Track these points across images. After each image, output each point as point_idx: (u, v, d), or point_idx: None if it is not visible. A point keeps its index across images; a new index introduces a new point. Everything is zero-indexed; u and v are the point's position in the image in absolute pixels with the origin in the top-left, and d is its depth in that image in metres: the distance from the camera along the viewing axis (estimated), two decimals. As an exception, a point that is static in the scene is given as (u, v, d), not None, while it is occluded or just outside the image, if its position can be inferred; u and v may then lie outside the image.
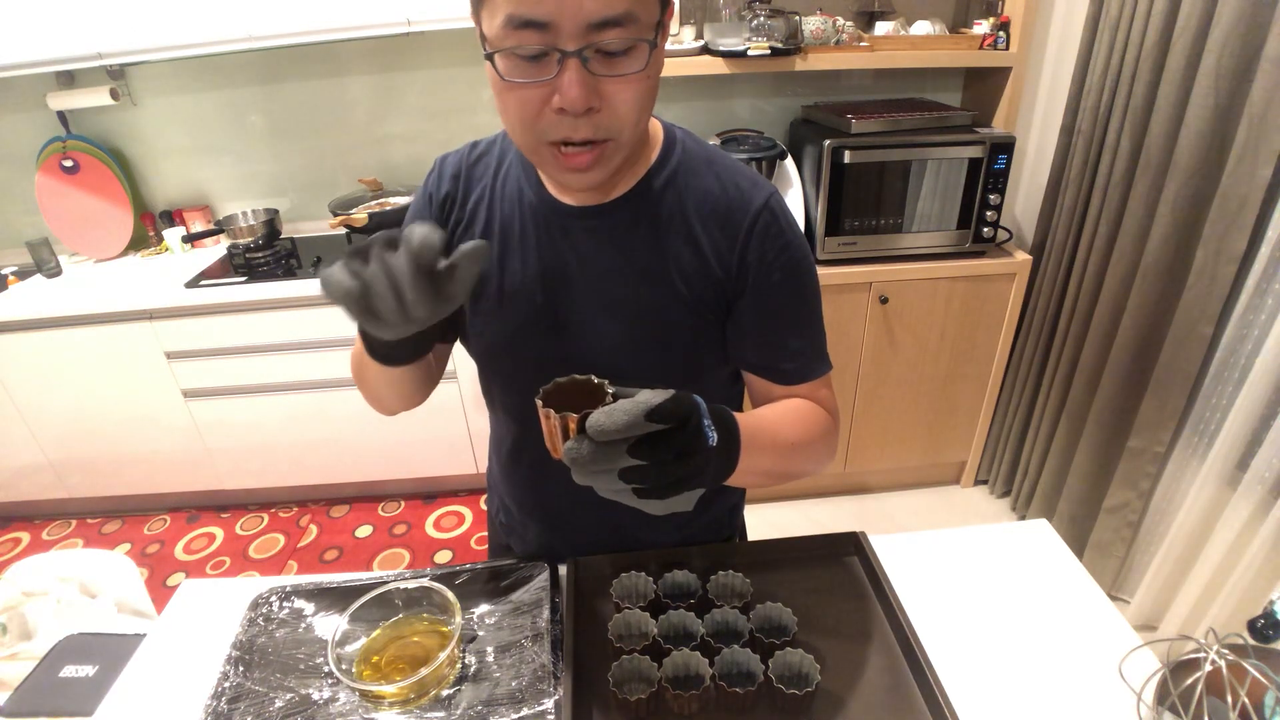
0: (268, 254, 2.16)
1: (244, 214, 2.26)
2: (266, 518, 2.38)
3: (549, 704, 0.72)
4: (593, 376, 0.54)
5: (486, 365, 0.85)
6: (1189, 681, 0.65)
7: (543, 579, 0.87)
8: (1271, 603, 0.78)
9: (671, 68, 1.88)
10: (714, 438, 0.53)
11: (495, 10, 0.56)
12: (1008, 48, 1.91)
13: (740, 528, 1.07)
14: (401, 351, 0.69)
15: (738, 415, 0.64)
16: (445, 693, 0.75)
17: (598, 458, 0.49)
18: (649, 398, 0.49)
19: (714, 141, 1.98)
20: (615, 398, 0.52)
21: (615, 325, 0.75)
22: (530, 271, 0.75)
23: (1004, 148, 1.85)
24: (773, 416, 0.75)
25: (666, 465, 0.50)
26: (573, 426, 0.50)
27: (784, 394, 0.79)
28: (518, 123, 0.62)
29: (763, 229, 0.73)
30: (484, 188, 0.78)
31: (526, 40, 0.55)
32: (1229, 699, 0.64)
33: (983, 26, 1.93)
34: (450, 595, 0.77)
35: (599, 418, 0.48)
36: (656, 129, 0.76)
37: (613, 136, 0.63)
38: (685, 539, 0.94)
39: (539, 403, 0.53)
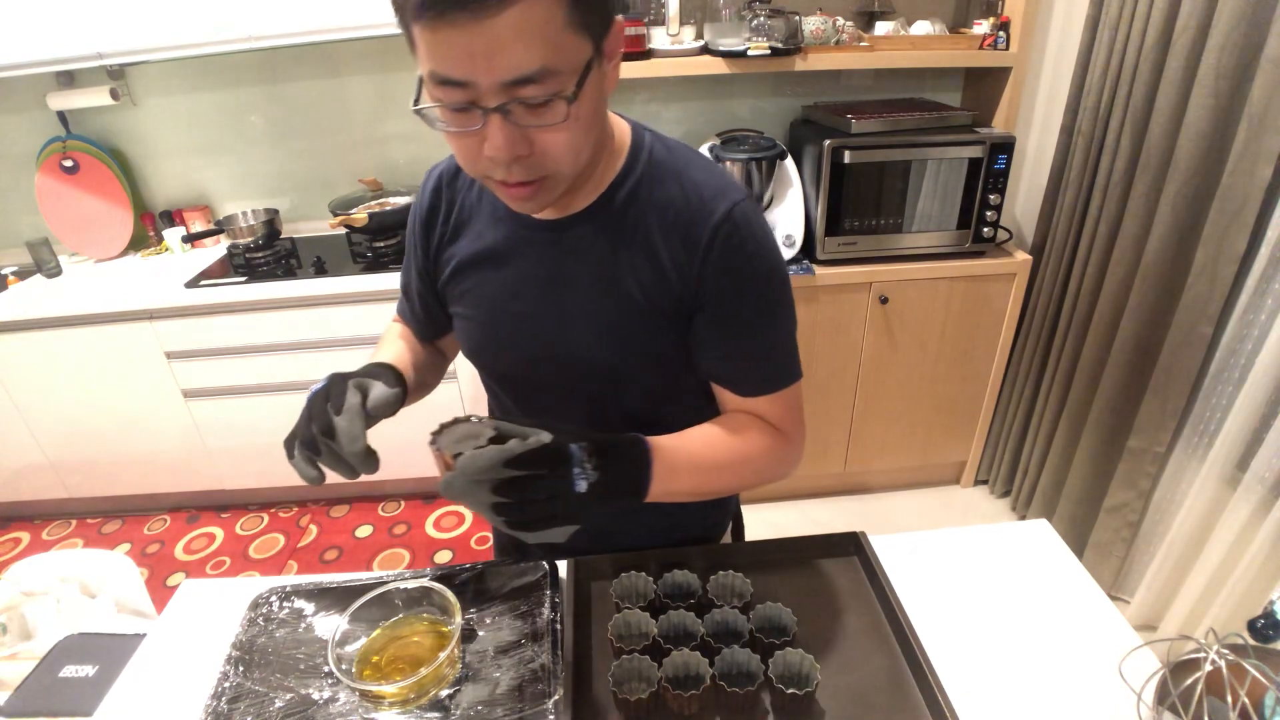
0: (268, 254, 2.16)
1: (244, 214, 2.27)
2: (266, 518, 2.38)
3: (549, 704, 0.72)
4: (473, 416, 0.62)
5: (475, 366, 0.89)
6: (1189, 681, 0.65)
7: (543, 579, 0.87)
8: (1271, 603, 0.78)
9: (671, 68, 1.88)
10: (583, 485, 0.60)
11: (422, 63, 0.58)
12: (1008, 48, 1.91)
13: (738, 530, 1.07)
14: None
15: (661, 440, 0.71)
16: (445, 693, 0.75)
17: (466, 493, 0.58)
18: (514, 446, 0.57)
19: (714, 141, 1.98)
20: (498, 437, 0.59)
21: (583, 334, 0.77)
22: (504, 279, 0.78)
23: (1004, 148, 1.85)
24: (704, 437, 0.77)
25: (529, 505, 0.59)
26: (449, 462, 0.59)
27: (740, 405, 0.80)
28: (460, 161, 0.65)
29: (723, 243, 0.71)
30: (464, 200, 0.81)
31: (450, 96, 0.57)
32: (1229, 699, 0.64)
33: (983, 26, 1.93)
34: (450, 595, 0.77)
35: (465, 459, 0.57)
36: (623, 136, 0.75)
37: (548, 174, 0.63)
38: (677, 540, 0.94)
39: (429, 438, 0.62)
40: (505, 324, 0.80)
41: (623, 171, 0.73)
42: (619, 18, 0.61)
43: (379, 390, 0.69)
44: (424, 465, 2.25)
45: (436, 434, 0.62)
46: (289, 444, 0.68)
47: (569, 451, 0.61)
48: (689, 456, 0.74)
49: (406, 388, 0.79)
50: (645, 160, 0.73)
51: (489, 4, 0.51)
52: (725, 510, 1.02)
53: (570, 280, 0.75)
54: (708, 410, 0.84)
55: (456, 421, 0.62)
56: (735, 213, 0.71)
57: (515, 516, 0.59)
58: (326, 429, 0.65)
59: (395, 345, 0.90)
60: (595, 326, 0.76)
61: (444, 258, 0.82)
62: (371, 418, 0.68)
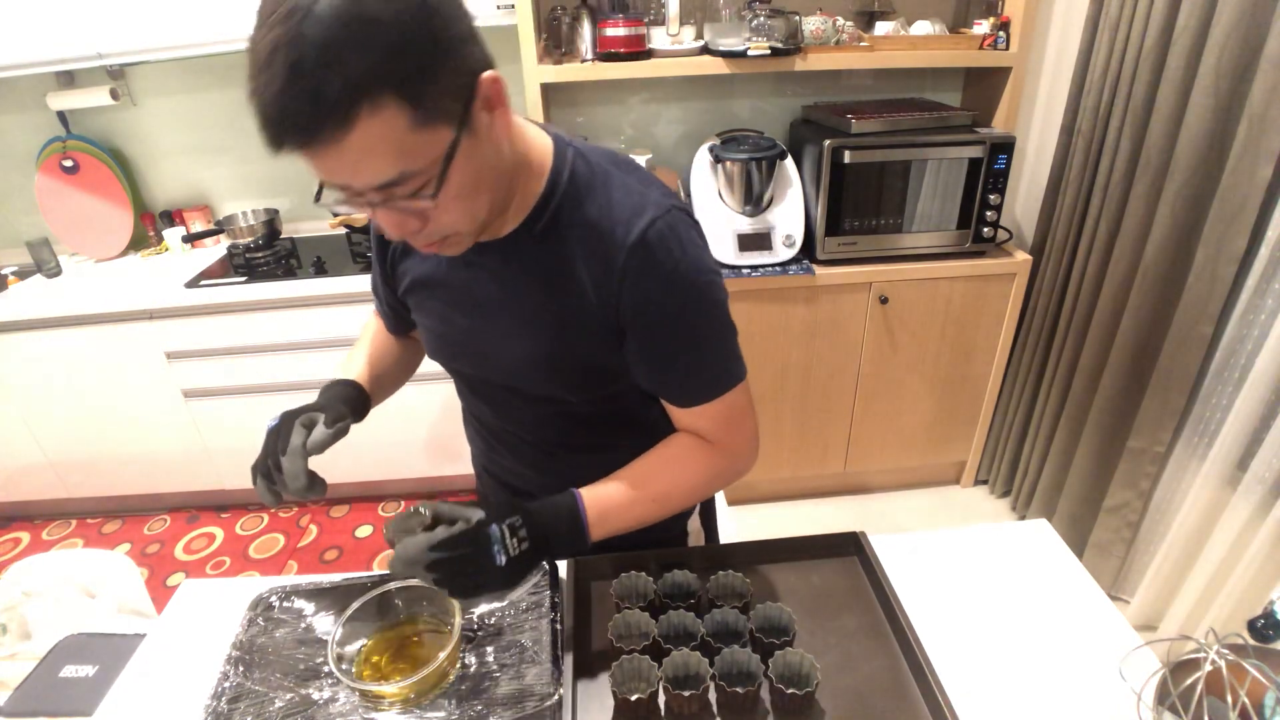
0: (268, 254, 2.16)
1: (244, 214, 2.26)
2: (266, 518, 2.38)
3: (549, 704, 0.72)
4: (419, 505, 0.73)
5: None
6: (1189, 681, 0.65)
7: (543, 579, 0.87)
8: (1271, 603, 0.78)
9: (671, 68, 1.88)
10: (503, 559, 0.68)
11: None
12: (1008, 48, 1.91)
13: (709, 526, 1.09)
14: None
15: (594, 490, 0.76)
16: (445, 693, 0.75)
17: (406, 574, 0.68)
18: (439, 534, 0.67)
19: (714, 141, 1.98)
20: (433, 522, 0.70)
21: (518, 356, 0.79)
22: (446, 301, 0.82)
23: (1004, 148, 1.85)
24: (639, 473, 0.80)
25: (456, 580, 0.67)
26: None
27: (679, 416, 0.81)
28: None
29: (638, 266, 0.70)
30: None
31: (339, 193, 0.61)
32: (1229, 699, 0.64)
33: (983, 26, 1.93)
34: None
35: (399, 549, 0.68)
36: (544, 156, 0.73)
37: (449, 234, 0.66)
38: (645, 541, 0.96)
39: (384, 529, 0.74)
40: (452, 338, 0.85)
41: (544, 195, 0.72)
42: (485, 74, 0.59)
43: (318, 432, 0.77)
44: (424, 465, 2.26)
45: (386, 525, 0.74)
46: (253, 472, 0.78)
47: (488, 534, 0.68)
48: (622, 499, 0.77)
49: (361, 402, 0.87)
50: (566, 181, 0.72)
51: (324, 137, 0.52)
52: (692, 516, 1.03)
53: (500, 304, 0.78)
54: None
55: (404, 513, 0.73)
56: (650, 234, 0.69)
57: (447, 589, 0.68)
58: (276, 465, 0.75)
59: (365, 349, 0.96)
60: (527, 348, 0.78)
61: (399, 271, 0.86)
62: (313, 454, 0.77)
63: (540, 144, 0.73)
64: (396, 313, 0.94)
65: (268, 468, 0.76)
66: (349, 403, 0.84)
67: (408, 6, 0.52)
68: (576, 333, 0.75)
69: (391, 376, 0.97)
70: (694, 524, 1.05)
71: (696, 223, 0.76)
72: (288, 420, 0.77)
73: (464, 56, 0.57)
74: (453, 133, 0.58)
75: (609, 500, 0.77)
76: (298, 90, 0.50)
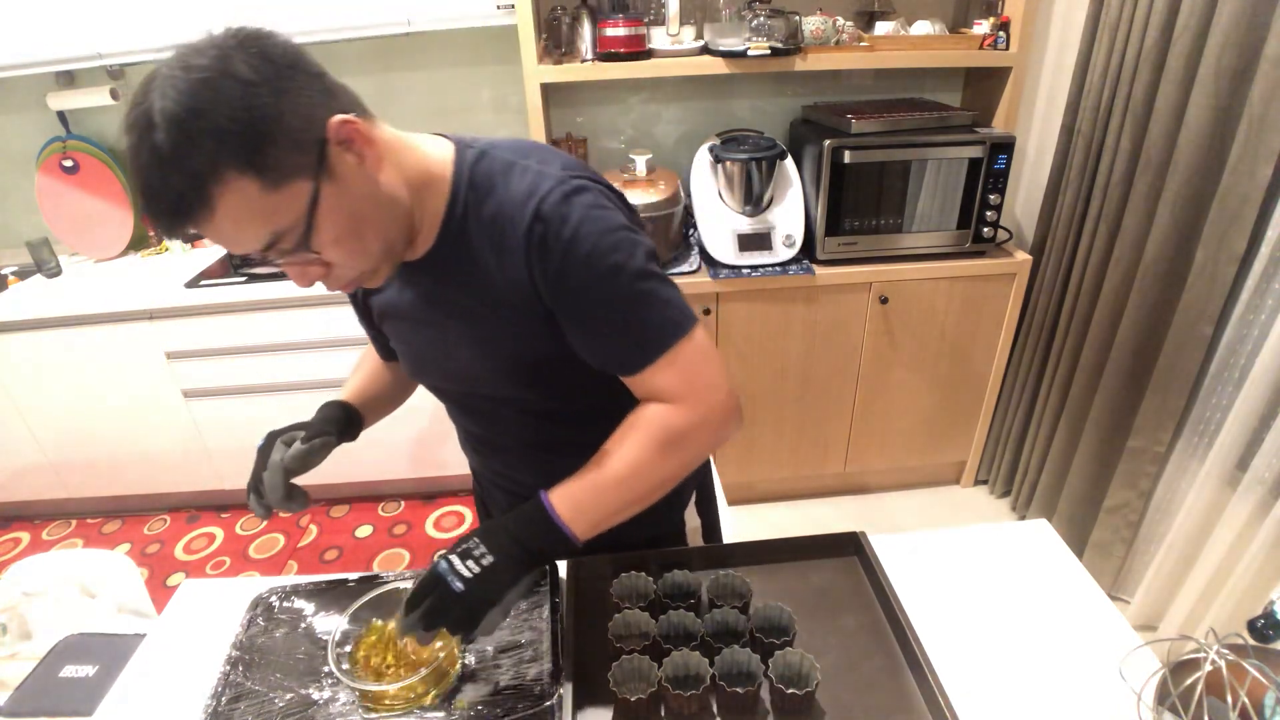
0: (268, 254, 2.16)
1: (244, 214, 2.26)
2: (266, 518, 2.38)
3: (549, 704, 0.72)
4: (396, 585, 0.84)
5: None
6: (1189, 681, 0.65)
7: (543, 579, 0.87)
8: (1271, 603, 0.78)
9: (671, 68, 1.88)
10: (460, 585, 0.68)
11: None
12: (1008, 48, 1.91)
13: (711, 526, 1.09)
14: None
15: (563, 487, 0.74)
16: (445, 692, 0.75)
17: (410, 636, 0.71)
18: (406, 595, 0.71)
19: (714, 141, 1.98)
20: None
21: (468, 364, 0.81)
22: (408, 321, 0.85)
23: (1004, 148, 1.85)
24: (605, 457, 0.75)
25: (443, 620, 0.69)
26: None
27: (634, 385, 0.76)
28: None
29: (538, 245, 0.70)
30: None
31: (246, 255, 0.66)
32: (1229, 699, 0.64)
33: (983, 26, 1.93)
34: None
35: (396, 627, 0.76)
36: (444, 167, 0.73)
37: (359, 272, 0.70)
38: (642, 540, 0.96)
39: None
40: (416, 358, 0.89)
41: (449, 206, 0.73)
42: (332, 120, 0.62)
43: (295, 448, 0.83)
44: (423, 466, 2.25)
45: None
46: (247, 490, 0.84)
47: (437, 572, 0.69)
48: (592, 484, 0.74)
49: (349, 422, 0.92)
50: (466, 186, 0.73)
51: (197, 222, 0.59)
52: (685, 505, 1.03)
53: (443, 320, 0.80)
54: None
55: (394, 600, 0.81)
56: (542, 210, 0.69)
57: (453, 634, 0.70)
58: (260, 480, 0.82)
59: (360, 373, 1.01)
60: (476, 354, 0.80)
61: (370, 303, 0.89)
62: (292, 470, 0.83)
63: (439, 157, 0.74)
64: (380, 340, 0.98)
65: (255, 484, 0.83)
66: (335, 422, 0.89)
67: (228, 88, 0.57)
68: (514, 328, 0.76)
69: (384, 397, 1.00)
70: (693, 520, 1.05)
71: (602, 185, 0.74)
72: (271, 439, 0.85)
73: (300, 113, 0.60)
74: (310, 183, 0.62)
75: (579, 490, 0.74)
76: (159, 192, 0.58)
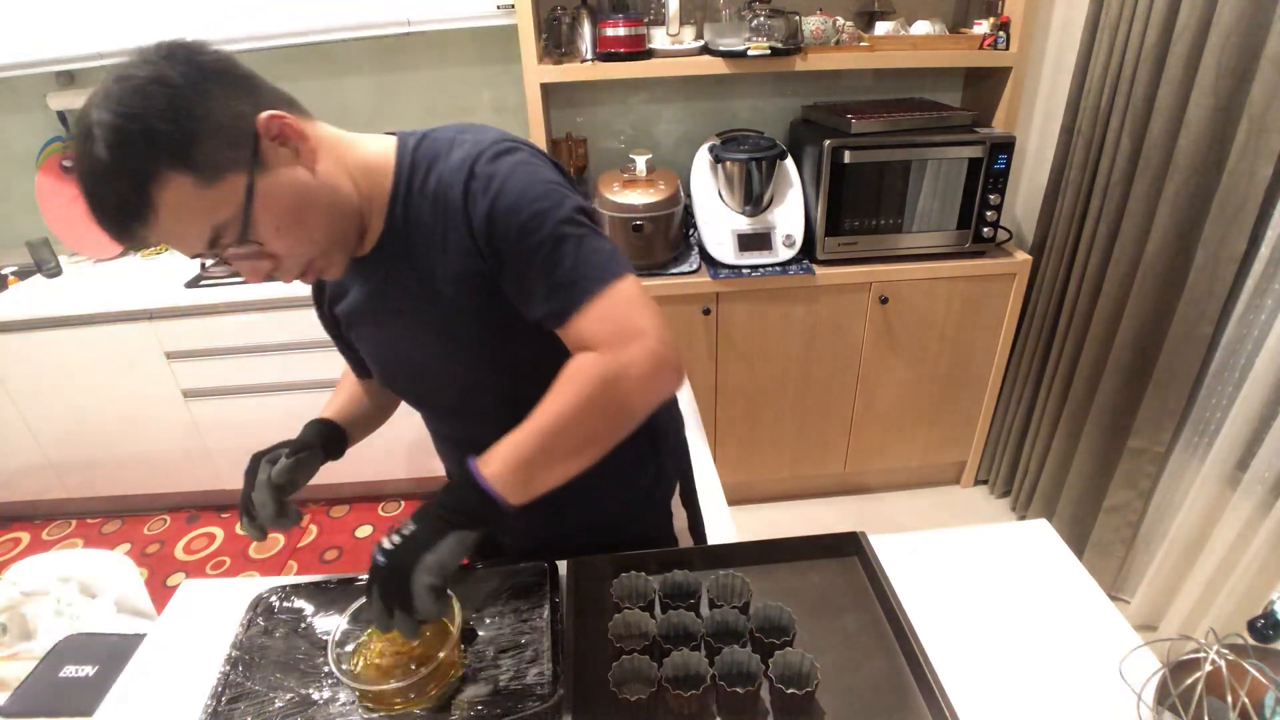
0: (268, 254, 2.16)
1: (244, 214, 2.26)
2: (266, 518, 2.38)
3: (549, 704, 0.72)
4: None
5: None
6: (1189, 681, 0.65)
7: (543, 579, 0.87)
8: (1271, 603, 0.78)
9: (671, 68, 1.88)
10: (381, 559, 0.68)
11: None
12: (1008, 48, 1.91)
13: (696, 525, 1.09)
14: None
15: (493, 449, 0.70)
16: (445, 693, 0.75)
17: (385, 625, 0.70)
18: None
19: (714, 141, 1.98)
20: None
21: (434, 345, 0.81)
22: (369, 322, 0.86)
23: (1004, 148, 1.85)
24: (536, 409, 0.71)
25: (382, 598, 0.68)
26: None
27: (568, 339, 0.73)
28: None
29: (473, 202, 0.71)
30: None
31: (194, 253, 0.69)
32: (1229, 699, 0.64)
33: (983, 26, 1.93)
34: (450, 595, 0.77)
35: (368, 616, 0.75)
36: (386, 157, 0.76)
37: (310, 259, 0.72)
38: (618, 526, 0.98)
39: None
40: (382, 358, 0.89)
41: (393, 189, 0.76)
42: (261, 116, 0.65)
43: (281, 463, 0.85)
44: (423, 466, 2.25)
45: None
46: (239, 510, 0.86)
47: (373, 553, 0.69)
48: (517, 438, 0.69)
49: (333, 438, 0.94)
50: (408, 169, 0.76)
51: (147, 222, 0.63)
52: (657, 494, 1.02)
53: (398, 311, 0.81)
54: None
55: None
56: (475, 169, 0.71)
57: (411, 610, 0.68)
58: (250, 500, 0.84)
59: (342, 392, 1.02)
60: (435, 342, 0.81)
61: (336, 314, 0.90)
62: (280, 486, 0.84)
63: (382, 149, 0.77)
64: (353, 355, 0.98)
65: (246, 505, 0.84)
66: (319, 436, 0.91)
67: (157, 94, 0.61)
68: (468, 303, 0.76)
69: (366, 416, 1.01)
70: (680, 513, 1.05)
71: (535, 149, 0.76)
72: (256, 460, 0.86)
73: (229, 111, 0.64)
74: (245, 177, 0.65)
75: (504, 447, 0.70)
76: (105, 198, 0.62)
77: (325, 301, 0.91)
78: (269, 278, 0.72)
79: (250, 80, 0.68)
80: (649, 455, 0.99)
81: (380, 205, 0.76)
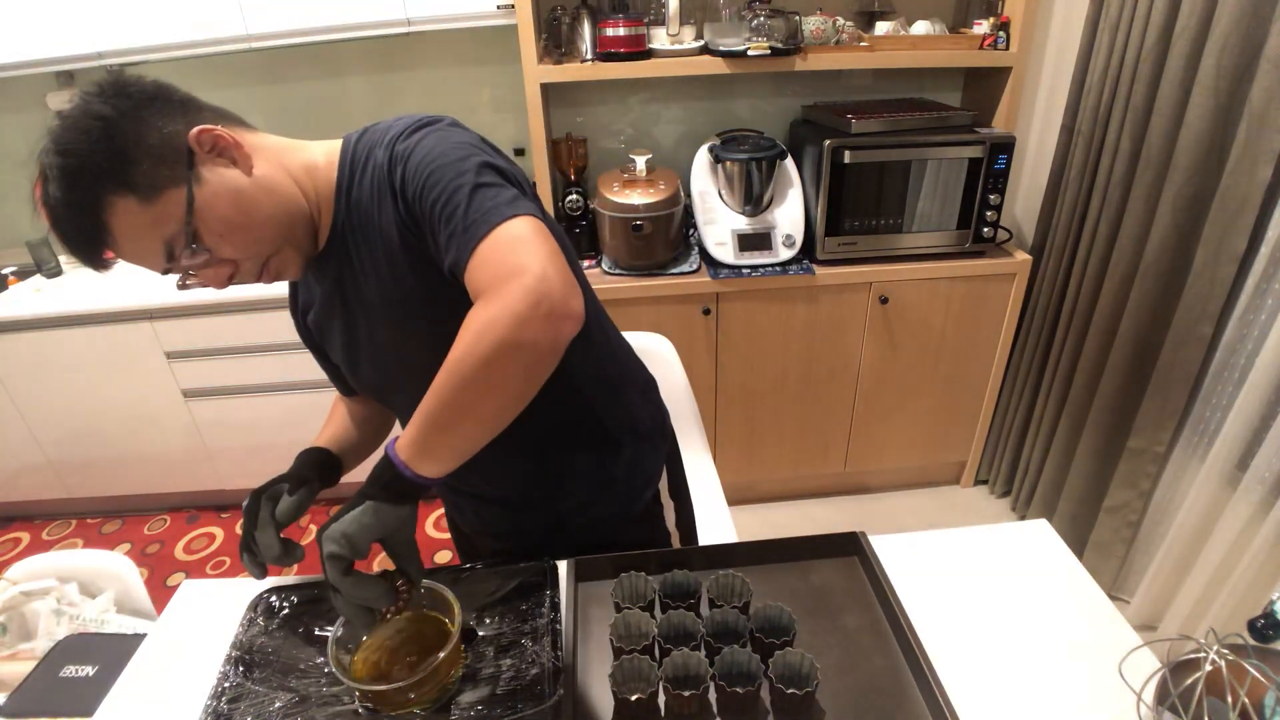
0: (268, 254, 2.16)
1: (244, 214, 2.26)
2: (266, 518, 2.38)
3: (549, 704, 0.72)
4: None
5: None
6: (1189, 681, 0.65)
7: (543, 579, 0.87)
8: (1271, 603, 0.78)
9: (671, 68, 1.88)
10: (320, 541, 0.70)
11: None
12: (1008, 48, 1.91)
13: (688, 528, 1.08)
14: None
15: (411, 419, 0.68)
16: (446, 693, 0.75)
17: (357, 618, 0.71)
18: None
19: (714, 141, 1.98)
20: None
21: (395, 338, 0.82)
22: (337, 325, 0.87)
23: (1004, 148, 1.85)
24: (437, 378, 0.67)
25: (326, 567, 0.69)
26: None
27: (470, 290, 0.68)
28: None
29: (394, 170, 0.73)
30: None
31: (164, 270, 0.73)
32: (1229, 699, 0.64)
33: (983, 26, 1.93)
34: (450, 595, 0.77)
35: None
36: (331, 156, 0.79)
37: (268, 257, 0.75)
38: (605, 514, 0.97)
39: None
40: (351, 362, 0.90)
41: (338, 181, 0.78)
42: (192, 132, 0.69)
43: (283, 502, 0.85)
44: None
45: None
46: (240, 549, 0.85)
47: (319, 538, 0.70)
48: (424, 407, 0.66)
49: (328, 466, 0.93)
50: (349, 167, 0.78)
51: (106, 244, 0.68)
52: (636, 479, 0.99)
53: (359, 303, 0.82)
54: None
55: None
56: (396, 145, 0.74)
57: (326, 574, 0.69)
58: (252, 539, 0.83)
59: (331, 424, 1.02)
60: (396, 329, 0.82)
61: (310, 325, 0.93)
62: (284, 524, 0.84)
63: (327, 150, 0.80)
64: (333, 368, 0.99)
65: (248, 543, 0.84)
66: (314, 467, 0.91)
67: (91, 126, 0.66)
68: (417, 281, 0.76)
69: (358, 441, 1.01)
70: (668, 512, 1.05)
71: (455, 121, 0.78)
72: (256, 498, 0.85)
73: (160, 131, 0.68)
74: (184, 190, 0.68)
75: (413, 418, 0.67)
76: (68, 231, 0.69)
77: (300, 313, 0.94)
78: (231, 281, 0.74)
79: (185, 102, 0.72)
80: (624, 443, 0.96)
81: (329, 202, 0.79)
